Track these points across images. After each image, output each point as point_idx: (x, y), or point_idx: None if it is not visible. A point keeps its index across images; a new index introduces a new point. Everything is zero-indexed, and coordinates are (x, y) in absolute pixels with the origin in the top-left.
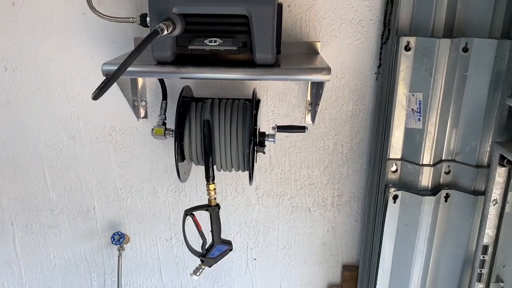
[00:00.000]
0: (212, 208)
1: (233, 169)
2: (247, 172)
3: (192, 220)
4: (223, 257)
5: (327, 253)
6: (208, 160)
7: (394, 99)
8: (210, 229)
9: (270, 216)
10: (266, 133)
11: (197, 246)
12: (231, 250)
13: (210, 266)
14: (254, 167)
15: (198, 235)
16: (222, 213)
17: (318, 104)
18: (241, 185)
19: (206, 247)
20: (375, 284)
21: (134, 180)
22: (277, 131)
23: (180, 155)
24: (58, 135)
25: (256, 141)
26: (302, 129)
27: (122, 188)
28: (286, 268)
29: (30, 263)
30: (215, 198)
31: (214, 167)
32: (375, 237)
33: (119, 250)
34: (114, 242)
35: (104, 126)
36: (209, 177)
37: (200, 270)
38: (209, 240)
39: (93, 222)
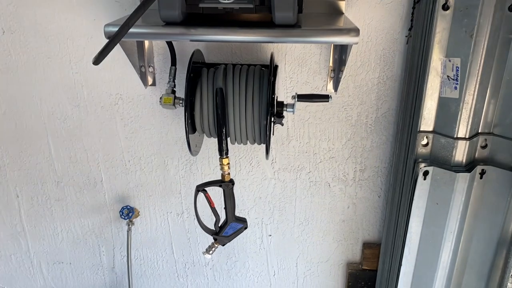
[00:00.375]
0: (226, 184)
1: (248, 142)
2: (262, 145)
3: (204, 196)
4: (237, 235)
5: (347, 230)
6: (221, 132)
7: (428, 65)
8: (223, 206)
9: (286, 191)
10: (284, 102)
11: (210, 223)
12: (246, 228)
13: (223, 245)
14: (271, 139)
15: (211, 212)
16: (235, 188)
17: (342, 71)
18: (256, 159)
19: (219, 225)
20: (400, 264)
21: (143, 152)
22: (298, 101)
23: (191, 127)
24: (61, 104)
25: (273, 111)
26: (325, 98)
27: (130, 160)
28: (303, 245)
29: (37, 236)
30: (228, 173)
31: (228, 139)
32: (400, 215)
33: (128, 225)
34: (123, 216)
35: (110, 94)
36: (223, 151)
37: (213, 249)
38: (222, 217)
39: (100, 195)
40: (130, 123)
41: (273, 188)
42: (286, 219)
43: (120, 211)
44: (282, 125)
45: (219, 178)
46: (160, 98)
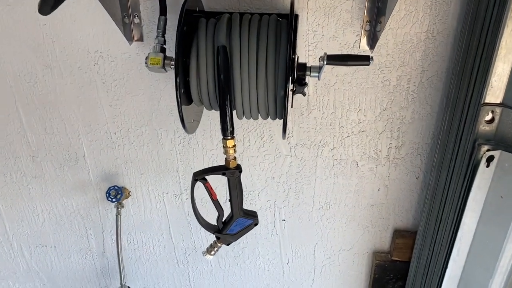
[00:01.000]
0: (231, 172)
1: (259, 117)
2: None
3: (203, 186)
4: (245, 233)
5: (376, 215)
6: (224, 104)
7: (504, 15)
8: (228, 198)
9: (305, 170)
10: (307, 64)
11: (212, 217)
12: (256, 224)
13: (228, 244)
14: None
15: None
16: (244, 166)
17: (380, 23)
18: (269, 132)
19: (223, 220)
20: (445, 266)
21: (131, 123)
22: (327, 63)
23: (184, 97)
24: (29, 64)
25: (293, 77)
26: (365, 60)
27: (117, 132)
28: (322, 231)
29: (14, 217)
30: (234, 158)
31: (234, 113)
32: (447, 205)
33: (118, 208)
34: (110, 198)
35: (88, 52)
36: (227, 130)
37: (216, 249)
38: (227, 211)
39: (84, 172)
40: (114, 87)
41: (288, 166)
42: (303, 202)
43: (106, 193)
44: (304, 95)
45: (223, 155)
46: (146, 58)
